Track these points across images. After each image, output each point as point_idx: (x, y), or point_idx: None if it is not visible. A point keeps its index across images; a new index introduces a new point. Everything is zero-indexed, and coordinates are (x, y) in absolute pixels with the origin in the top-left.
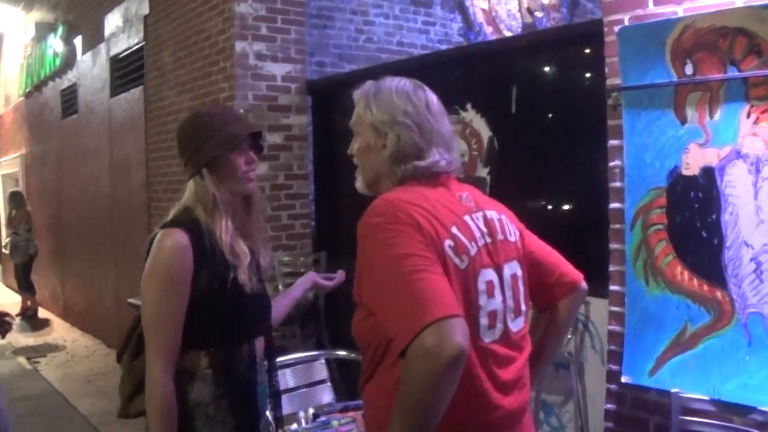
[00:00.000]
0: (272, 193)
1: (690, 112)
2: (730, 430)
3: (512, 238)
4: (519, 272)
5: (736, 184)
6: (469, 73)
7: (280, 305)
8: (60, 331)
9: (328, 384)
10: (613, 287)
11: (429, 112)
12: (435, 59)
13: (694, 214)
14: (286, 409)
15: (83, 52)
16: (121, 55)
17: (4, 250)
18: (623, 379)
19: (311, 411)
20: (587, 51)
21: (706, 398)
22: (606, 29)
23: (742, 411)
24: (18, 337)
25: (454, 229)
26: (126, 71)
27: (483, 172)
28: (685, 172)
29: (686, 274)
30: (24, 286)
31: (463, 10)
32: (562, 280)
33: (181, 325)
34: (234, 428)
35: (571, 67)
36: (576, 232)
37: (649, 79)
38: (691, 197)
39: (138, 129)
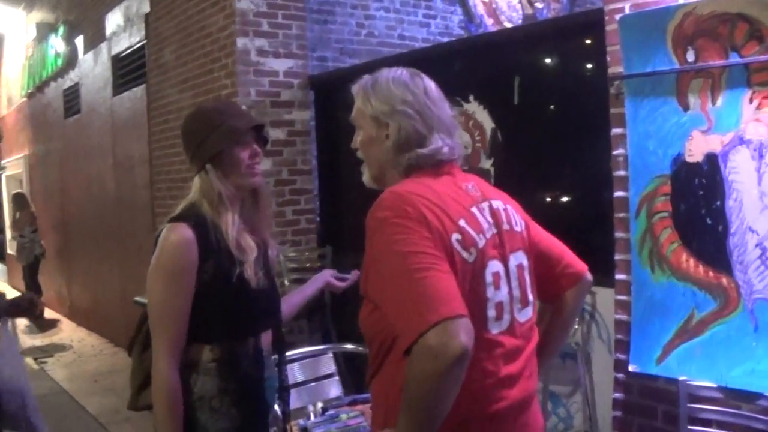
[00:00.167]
0: (276, 188)
1: (692, 99)
2: (738, 416)
3: (518, 228)
4: (525, 262)
5: (739, 170)
6: (470, 65)
7: (291, 302)
8: (66, 330)
9: (336, 378)
10: (618, 276)
11: (428, 99)
12: (436, 52)
13: (698, 201)
14: (295, 403)
15: (85, 52)
16: (122, 54)
17: (9, 251)
18: (630, 368)
19: (320, 405)
20: (589, 40)
21: (714, 385)
22: (607, 18)
23: (750, 397)
24: (25, 338)
25: (461, 222)
26: (128, 70)
27: (487, 163)
28: (689, 159)
29: (692, 262)
30: (31, 287)
31: (464, 3)
32: (567, 270)
33: (187, 319)
34: (239, 421)
35: (573, 57)
36: (581, 222)
37: (651, 67)
38: (695, 184)
39: (141, 127)
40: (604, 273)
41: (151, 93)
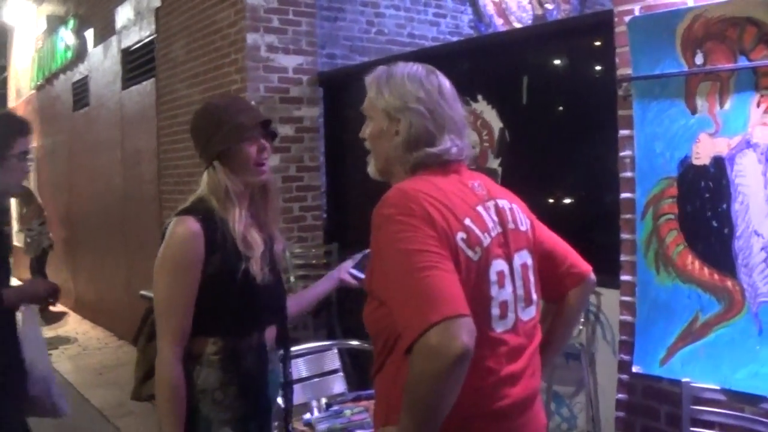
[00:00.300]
0: (284, 185)
1: (700, 102)
2: (741, 419)
3: (523, 228)
4: (529, 261)
5: (746, 173)
6: (479, 64)
7: (303, 298)
8: (72, 323)
9: (341, 374)
10: (624, 277)
11: (442, 98)
12: (446, 51)
13: (704, 203)
14: (300, 398)
15: (94, 45)
16: (132, 48)
17: (16, 243)
18: (634, 369)
19: (324, 400)
20: (598, 42)
21: (717, 387)
22: (616, 19)
23: (753, 400)
24: None
25: (467, 221)
26: (137, 64)
27: (494, 163)
28: (696, 162)
29: (697, 264)
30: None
31: (474, 2)
32: (571, 270)
33: (192, 311)
34: (242, 414)
35: (582, 58)
36: (587, 223)
37: (660, 69)
38: (701, 187)
39: (149, 122)
40: (609, 274)
41: (160, 87)
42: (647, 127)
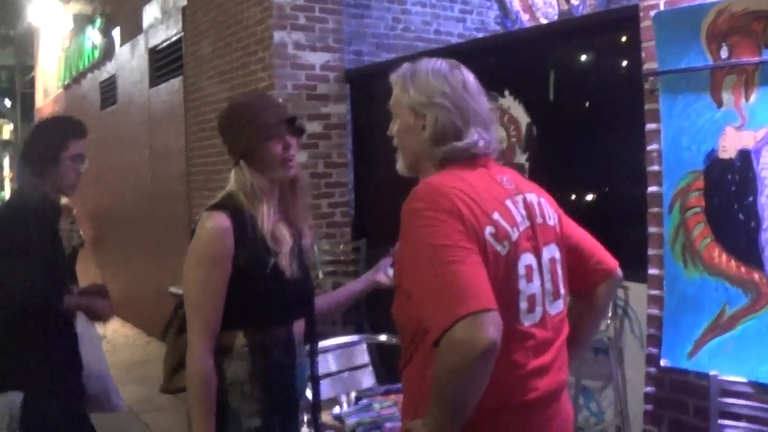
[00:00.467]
0: (312, 181)
1: (726, 96)
2: None
3: (551, 222)
4: (557, 255)
5: None
6: (506, 60)
7: (333, 298)
8: None
9: (370, 368)
10: (651, 271)
11: (466, 92)
12: (472, 47)
13: (731, 196)
14: (329, 392)
15: (121, 44)
16: (159, 47)
17: None
18: (662, 363)
19: (353, 394)
20: (623, 36)
21: (745, 380)
22: (642, 14)
23: None
24: None
25: (495, 215)
26: (165, 62)
27: (522, 158)
28: (722, 155)
29: (724, 257)
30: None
31: None
32: (598, 266)
33: (222, 305)
34: (269, 407)
35: (608, 53)
36: (614, 217)
37: (685, 63)
38: (728, 180)
39: (177, 119)
40: (637, 268)
41: (187, 85)
42: (674, 120)
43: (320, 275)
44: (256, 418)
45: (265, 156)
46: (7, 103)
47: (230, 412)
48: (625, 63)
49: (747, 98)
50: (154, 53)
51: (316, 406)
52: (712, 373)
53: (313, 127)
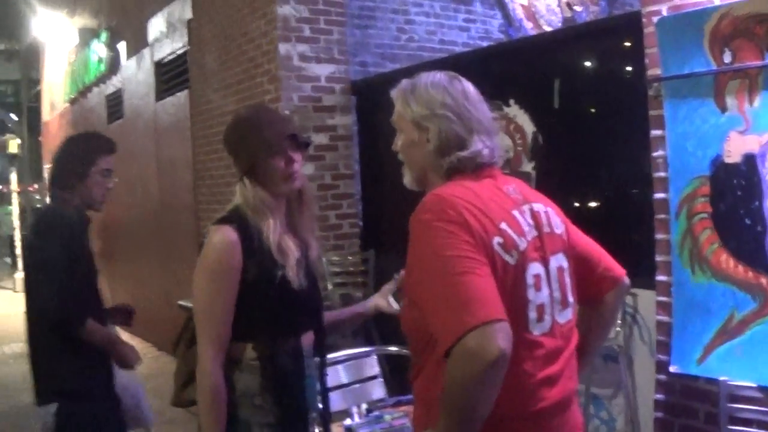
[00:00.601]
0: (319, 193)
1: (730, 100)
2: None
3: (558, 231)
4: (565, 264)
5: None
6: (510, 68)
7: (338, 315)
8: None
9: (380, 379)
10: (659, 277)
11: (467, 101)
12: (476, 56)
13: (737, 201)
14: (340, 404)
15: (127, 58)
16: (165, 60)
17: None
18: (672, 369)
19: (364, 406)
20: (627, 43)
21: (754, 385)
22: (644, 20)
23: None
24: None
25: (503, 225)
26: (171, 75)
27: (528, 167)
28: (727, 160)
29: (731, 262)
30: None
31: (503, 7)
32: (606, 274)
33: (231, 318)
34: (280, 419)
35: (612, 60)
36: (622, 224)
37: (689, 69)
38: (733, 185)
39: (184, 132)
40: (645, 275)
41: (194, 98)
42: (678, 126)
43: (329, 287)
44: (266, 429)
45: (268, 171)
46: (14, 117)
47: (241, 424)
48: (628, 69)
49: (751, 102)
50: (160, 66)
51: (326, 418)
52: (721, 378)
53: (319, 138)
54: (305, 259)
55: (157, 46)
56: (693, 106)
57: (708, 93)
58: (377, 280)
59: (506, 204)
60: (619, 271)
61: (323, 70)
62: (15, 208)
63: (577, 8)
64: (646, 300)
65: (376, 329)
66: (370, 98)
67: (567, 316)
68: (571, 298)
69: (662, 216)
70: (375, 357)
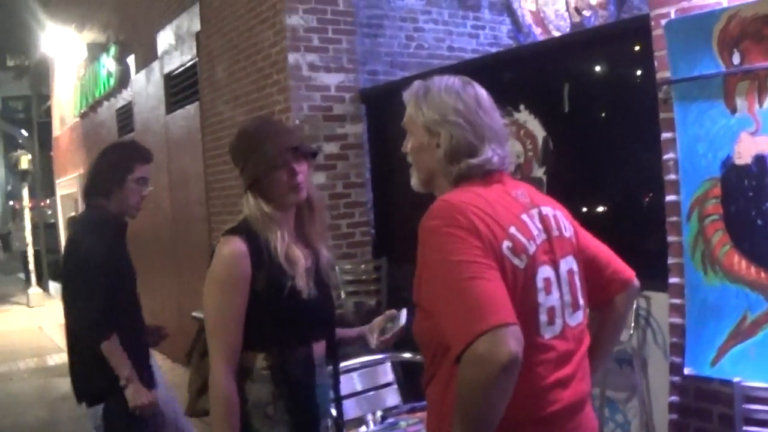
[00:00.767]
0: (331, 202)
1: (740, 102)
2: None
3: (567, 234)
4: (575, 267)
5: None
6: (520, 74)
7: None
8: None
9: (395, 386)
10: (672, 279)
11: (480, 108)
12: (486, 62)
13: (748, 202)
14: (355, 411)
15: (137, 71)
16: (174, 72)
17: None
18: (686, 371)
19: (379, 413)
20: (636, 46)
21: None
22: (653, 23)
23: None
24: None
25: (512, 230)
26: (180, 88)
27: (539, 172)
28: (738, 162)
29: (744, 263)
30: None
31: (512, 13)
32: (616, 276)
33: (241, 328)
34: (292, 428)
35: (621, 63)
36: (633, 227)
37: (698, 71)
38: (745, 186)
39: (195, 144)
40: (657, 277)
41: (204, 110)
42: (689, 128)
43: (342, 295)
44: None
45: (272, 185)
46: (24, 133)
47: None
48: (638, 73)
49: (761, 103)
50: (169, 79)
51: (339, 426)
52: (735, 380)
53: (330, 147)
54: (316, 268)
55: (167, 58)
56: (703, 108)
57: (718, 95)
58: (390, 287)
59: (515, 208)
60: (629, 273)
61: (333, 79)
62: (27, 224)
63: (586, 13)
64: (659, 302)
65: None
66: (380, 106)
67: (578, 318)
68: (581, 301)
69: (674, 218)
70: (389, 364)
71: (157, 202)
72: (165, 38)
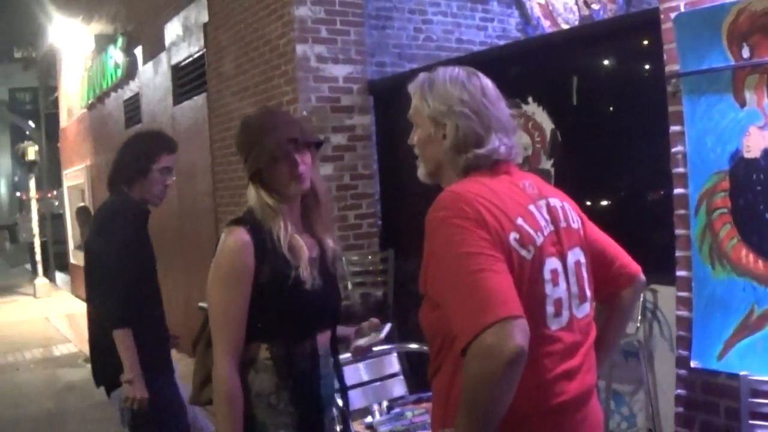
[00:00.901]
0: (338, 193)
1: (748, 95)
2: None
3: (575, 225)
4: (582, 259)
5: None
6: (528, 67)
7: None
8: None
9: (401, 377)
10: (680, 273)
11: (485, 98)
12: (494, 55)
13: (757, 196)
14: (361, 402)
15: (144, 62)
16: (182, 64)
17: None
18: (692, 364)
19: (385, 403)
20: (645, 39)
21: None
22: (662, 16)
23: None
24: None
25: (519, 221)
26: (188, 79)
27: (547, 164)
28: (747, 155)
29: (751, 257)
30: None
31: (520, 5)
32: (623, 271)
33: (245, 319)
34: (296, 418)
35: (630, 56)
36: (641, 220)
37: (707, 64)
38: (753, 180)
39: (202, 136)
40: (665, 271)
41: (211, 101)
42: (697, 122)
43: (349, 286)
44: (282, 429)
45: (273, 176)
46: (32, 124)
47: (257, 425)
48: (647, 66)
49: None
50: (177, 70)
51: (344, 416)
52: (742, 373)
53: (338, 139)
54: (321, 258)
55: (174, 50)
56: (712, 102)
57: (727, 88)
58: (397, 278)
59: (522, 199)
60: (635, 268)
61: (341, 70)
62: (34, 215)
63: (595, 6)
64: (666, 296)
65: (397, 326)
66: (388, 98)
67: (585, 310)
68: (589, 293)
69: (682, 212)
70: (395, 354)
71: None
72: (173, 29)
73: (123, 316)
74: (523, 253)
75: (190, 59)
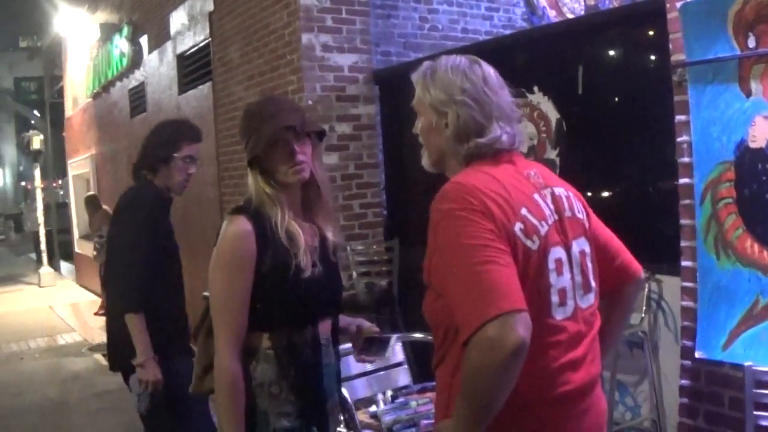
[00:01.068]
0: (343, 182)
1: (754, 85)
2: None
3: (580, 215)
4: (587, 249)
5: None
6: (534, 56)
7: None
8: None
9: (405, 366)
10: (685, 263)
11: (487, 86)
12: (500, 44)
13: (762, 186)
14: (365, 391)
15: (149, 51)
16: (187, 53)
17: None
18: (697, 355)
19: (389, 393)
20: (651, 29)
21: None
22: (668, 6)
23: None
24: (93, 334)
25: (523, 211)
26: (193, 68)
27: (552, 154)
28: (752, 145)
29: (756, 247)
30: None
31: None
32: (623, 268)
33: (246, 308)
34: (298, 408)
35: (636, 46)
36: (646, 210)
37: (713, 54)
38: (758, 169)
39: (207, 125)
40: (670, 261)
41: (217, 90)
42: (703, 111)
43: (353, 276)
44: (284, 419)
45: (271, 164)
46: (37, 113)
47: (259, 414)
48: (653, 55)
49: None
50: (182, 59)
51: (346, 405)
52: (746, 364)
53: (343, 128)
54: (322, 247)
55: (179, 39)
56: (718, 91)
57: (732, 78)
58: (401, 268)
59: (527, 189)
60: (636, 266)
61: (346, 60)
62: (39, 205)
63: None
64: (670, 286)
65: (402, 316)
66: (394, 88)
67: (589, 300)
68: (593, 283)
69: (687, 201)
70: (400, 344)
71: None
72: (178, 18)
73: (135, 301)
74: (528, 243)
75: (196, 48)
